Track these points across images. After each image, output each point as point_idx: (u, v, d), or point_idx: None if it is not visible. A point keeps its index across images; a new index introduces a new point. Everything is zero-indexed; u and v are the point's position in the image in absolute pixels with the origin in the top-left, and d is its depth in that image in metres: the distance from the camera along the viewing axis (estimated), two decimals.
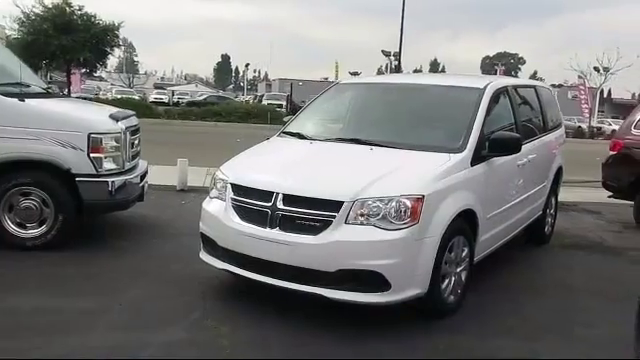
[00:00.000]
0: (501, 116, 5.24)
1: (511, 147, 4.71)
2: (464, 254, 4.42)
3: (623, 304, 4.89)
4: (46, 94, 6.17)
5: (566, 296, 5.08)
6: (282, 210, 4.03)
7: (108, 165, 5.57)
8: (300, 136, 5.18)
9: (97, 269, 5.07)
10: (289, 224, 4.00)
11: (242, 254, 4.19)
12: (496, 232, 5.06)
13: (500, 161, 4.83)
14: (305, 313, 4.16)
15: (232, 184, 4.38)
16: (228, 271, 4.36)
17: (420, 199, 3.90)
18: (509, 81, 5.63)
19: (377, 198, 3.88)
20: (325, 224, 3.90)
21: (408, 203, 3.87)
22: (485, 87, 5.04)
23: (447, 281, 4.24)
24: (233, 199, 4.32)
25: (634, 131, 8.17)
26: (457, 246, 4.29)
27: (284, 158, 4.77)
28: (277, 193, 4.06)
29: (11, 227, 5.40)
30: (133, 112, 6.54)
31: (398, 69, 35.80)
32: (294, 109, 33.03)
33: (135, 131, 6.20)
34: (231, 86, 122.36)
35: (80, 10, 25.41)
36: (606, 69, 41.50)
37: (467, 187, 4.41)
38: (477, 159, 4.55)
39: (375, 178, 4.03)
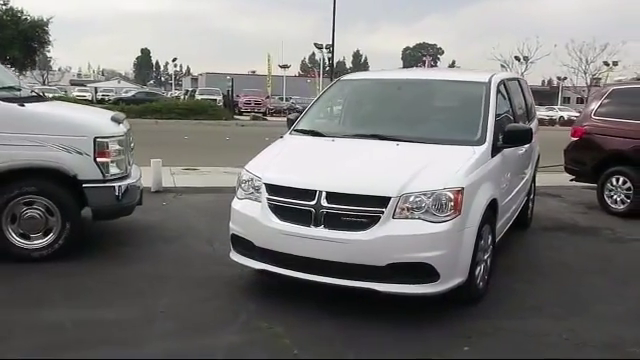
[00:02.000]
0: (503, 107, 5.50)
1: (524, 138, 4.99)
2: (489, 241, 4.65)
3: (623, 280, 5.34)
4: (39, 97, 5.88)
5: (569, 275, 5.44)
6: (327, 208, 4.08)
7: (113, 170, 5.41)
8: (315, 134, 5.23)
9: (114, 277, 4.93)
10: (334, 221, 4.07)
11: (285, 254, 4.22)
12: (506, 218, 5.35)
13: (509, 151, 5.11)
14: (348, 306, 4.25)
15: (267, 184, 4.38)
16: (267, 271, 4.36)
17: (460, 191, 4.08)
18: (503, 74, 5.91)
19: (421, 192, 4.02)
20: (373, 220, 3.99)
21: (451, 196, 4.03)
22: (490, 80, 5.29)
23: (479, 268, 4.45)
24: (269, 199, 4.33)
25: (594, 118, 8.74)
26: (485, 234, 4.51)
27: (315, 156, 4.80)
28: (320, 191, 4.11)
29: (15, 239, 5.14)
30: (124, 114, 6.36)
31: (332, 61, 36.22)
32: (229, 104, 32.71)
33: (130, 133, 6.04)
34: (152, 81, 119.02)
35: (5, 5, 23.91)
36: (526, 58, 43.75)
37: (490, 178, 4.64)
38: (495, 150, 4.78)
39: (414, 173, 4.17)
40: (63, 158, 5.14)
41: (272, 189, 4.35)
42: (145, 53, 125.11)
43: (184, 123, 24.91)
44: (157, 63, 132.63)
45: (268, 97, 42.75)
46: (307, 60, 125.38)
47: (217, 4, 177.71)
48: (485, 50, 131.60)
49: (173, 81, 66.34)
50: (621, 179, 8.23)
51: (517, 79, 6.78)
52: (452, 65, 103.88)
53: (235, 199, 4.70)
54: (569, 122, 38.07)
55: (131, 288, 4.70)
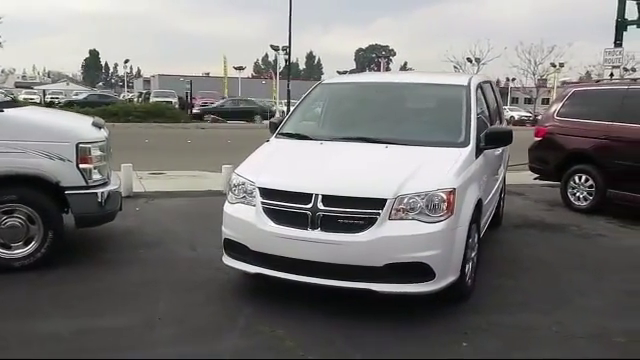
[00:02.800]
0: (481, 109, 5.69)
1: (506, 139, 5.17)
2: (476, 239, 4.81)
3: (597, 274, 5.60)
4: (14, 102, 5.71)
5: (546, 270, 5.66)
6: (323, 211, 4.14)
7: (96, 176, 5.32)
8: (302, 137, 5.29)
9: (103, 284, 4.86)
10: (331, 224, 4.13)
11: (281, 257, 4.25)
12: (487, 217, 5.53)
13: (488, 152, 5.29)
14: (342, 307, 4.32)
15: (261, 188, 4.40)
16: (263, 275, 4.38)
17: (452, 192, 4.21)
18: (479, 77, 6.09)
19: (415, 193, 4.13)
20: (370, 221, 4.07)
21: (444, 196, 4.16)
22: (469, 84, 5.47)
23: (468, 266, 4.59)
24: (264, 203, 4.36)
25: (556, 118, 9.10)
26: (473, 233, 4.66)
27: (307, 160, 4.84)
28: (317, 194, 4.17)
29: None
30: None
31: (289, 63, 36.20)
32: (187, 106, 32.24)
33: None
34: (101, 83, 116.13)
35: None
36: (478, 60, 44.88)
37: (475, 178, 4.79)
38: (478, 151, 4.95)
39: (408, 174, 4.27)
40: (45, 165, 5.02)
41: (266, 193, 4.38)
42: (93, 54, 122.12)
43: (143, 126, 24.44)
44: (106, 64, 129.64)
45: (224, 99, 42.33)
46: (260, 61, 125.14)
47: (166, 5, 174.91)
48: (437, 52, 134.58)
49: (125, 83, 64.80)
50: (583, 177, 8.60)
51: (489, 81, 7.00)
52: (404, 67, 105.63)
53: (227, 203, 4.70)
54: (520, 122, 39.36)
55: (123, 295, 4.65)
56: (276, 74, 40.23)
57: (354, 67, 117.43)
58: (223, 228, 4.66)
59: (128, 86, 74.16)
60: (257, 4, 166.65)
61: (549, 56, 47.89)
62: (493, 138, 5.08)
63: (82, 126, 5.44)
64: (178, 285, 4.88)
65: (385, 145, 4.81)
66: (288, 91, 35.34)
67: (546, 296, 4.88)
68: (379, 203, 4.08)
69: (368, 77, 6.58)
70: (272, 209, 4.33)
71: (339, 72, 65.05)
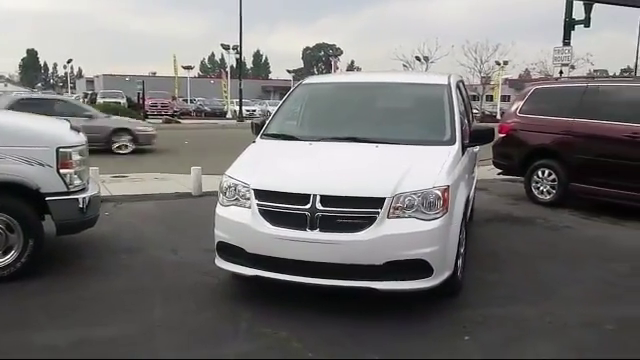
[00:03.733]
0: (461, 108, 5.82)
1: (488, 137, 5.32)
2: (464, 235, 4.93)
3: (572, 264, 5.84)
4: None
5: (525, 262, 5.85)
6: (322, 211, 4.15)
7: (76, 181, 5.16)
8: (288, 137, 5.28)
9: (91, 293, 4.73)
10: (330, 224, 4.15)
11: (280, 258, 4.24)
12: (469, 213, 5.68)
13: (469, 149, 5.43)
14: (340, 306, 4.35)
15: (256, 190, 4.38)
16: (260, 277, 4.35)
17: (447, 189, 4.30)
18: (455, 76, 6.23)
19: (412, 192, 4.20)
20: (369, 220, 4.12)
21: (439, 194, 4.24)
22: (449, 83, 5.60)
23: (459, 261, 4.70)
24: (260, 205, 4.33)
25: (519, 115, 9.40)
26: (462, 229, 4.78)
27: (300, 160, 4.83)
28: (315, 195, 4.18)
29: None
30: None
31: (240, 62, 35.89)
32: (139, 107, 31.44)
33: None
34: (40, 84, 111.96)
35: None
36: (426, 58, 45.76)
37: (463, 175, 4.92)
38: (463, 149, 5.07)
39: (403, 173, 4.33)
40: (25, 171, 4.84)
41: (262, 195, 4.35)
42: (31, 54, 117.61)
43: None
44: (45, 65, 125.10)
45: (174, 99, 41.68)
46: (207, 61, 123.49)
47: (107, 3, 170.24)
48: (383, 51, 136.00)
49: (68, 83, 62.70)
50: (547, 171, 8.92)
51: (462, 80, 7.17)
52: (351, 65, 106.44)
53: (219, 206, 4.64)
54: None
55: (114, 303, 4.53)
56: (228, 73, 39.82)
57: (302, 66, 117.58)
58: (216, 231, 4.61)
59: (70, 87, 71.78)
60: (201, 3, 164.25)
61: (494, 54, 49.38)
62: (477, 136, 5.22)
63: (61, 130, 5.26)
64: (169, 291, 4.80)
65: (375, 145, 4.86)
66: (240, 90, 35.09)
67: (531, 288, 5.05)
68: (378, 202, 4.13)
69: (349, 77, 6.63)
70: (268, 211, 4.31)
71: (288, 71, 65.13)
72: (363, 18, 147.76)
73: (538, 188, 9.03)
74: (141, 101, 27.77)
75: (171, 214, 8.02)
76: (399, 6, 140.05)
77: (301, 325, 4.08)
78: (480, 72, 49.66)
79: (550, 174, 8.88)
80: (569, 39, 15.48)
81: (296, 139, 5.23)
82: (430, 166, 4.53)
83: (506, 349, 3.81)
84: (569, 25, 15.33)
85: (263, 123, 5.68)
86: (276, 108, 5.79)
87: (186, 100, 48.58)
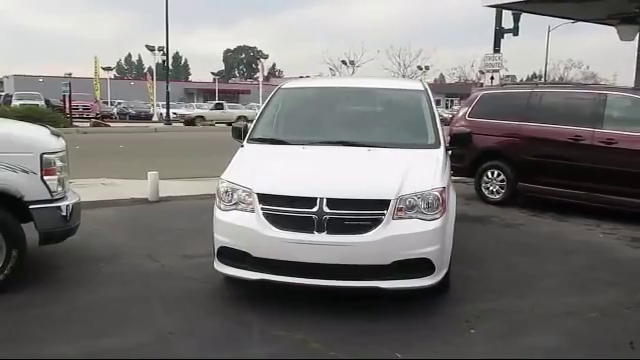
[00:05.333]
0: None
1: (467, 141, 5.61)
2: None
3: (539, 258, 6.24)
4: None
5: (497, 258, 6.20)
6: (329, 214, 4.25)
7: (59, 188, 4.98)
8: (277, 142, 5.33)
9: (84, 303, 4.59)
10: (337, 226, 4.25)
11: (288, 262, 4.29)
12: None
13: (449, 153, 5.70)
14: (344, 306, 4.46)
15: (260, 194, 4.41)
16: (266, 281, 4.38)
17: (443, 191, 4.53)
18: (425, 83, 6.50)
19: (413, 193, 4.38)
20: (375, 222, 4.26)
21: (438, 195, 4.45)
22: (425, 88, 5.86)
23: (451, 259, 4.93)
24: (265, 209, 4.37)
25: (468, 119, 9.87)
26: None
27: (299, 164, 4.87)
28: (321, 198, 4.27)
29: None
30: None
31: (167, 63, 35.07)
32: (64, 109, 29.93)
33: None
34: None
35: None
36: (352, 62, 46.65)
37: (449, 177, 5.16)
38: (446, 152, 5.33)
39: (402, 175, 4.51)
40: (8, 178, 4.61)
41: (266, 199, 4.39)
42: None
43: None
44: None
45: (97, 101, 40.08)
46: (124, 62, 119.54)
47: (15, 1, 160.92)
48: (306, 54, 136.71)
49: None
50: (495, 172, 9.44)
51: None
52: (273, 68, 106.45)
53: (218, 211, 4.62)
54: None
55: (114, 313, 4.41)
56: (154, 75, 38.77)
57: (222, 68, 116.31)
58: (217, 236, 4.59)
59: None
60: (111, 2, 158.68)
61: (416, 59, 51.15)
62: (458, 139, 5.50)
63: (43, 135, 5.04)
64: (166, 299, 4.72)
65: (367, 148, 5.02)
66: (167, 93, 34.30)
67: (510, 282, 5.38)
68: (384, 204, 4.28)
69: (327, 82, 6.75)
70: (274, 214, 4.35)
71: (213, 73, 64.26)
72: (283, 21, 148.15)
73: (488, 188, 9.52)
74: (67, 104, 26.45)
75: (134, 220, 7.82)
76: (320, 10, 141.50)
77: (313, 326, 4.15)
78: (404, 76, 51.22)
79: (499, 175, 9.39)
80: (499, 47, 16.28)
81: (286, 143, 5.29)
82: (425, 169, 4.74)
83: (513, 339, 4.06)
84: (499, 33, 16.14)
85: (244, 127, 5.70)
86: (259, 112, 5.81)
87: (106, 102, 46.88)
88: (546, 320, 4.42)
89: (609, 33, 13.29)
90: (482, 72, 50.19)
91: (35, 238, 4.91)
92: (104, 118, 37.33)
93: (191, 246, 6.36)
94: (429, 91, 5.83)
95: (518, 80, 51.66)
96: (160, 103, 40.51)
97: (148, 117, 40.06)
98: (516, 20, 15.89)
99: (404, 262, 4.27)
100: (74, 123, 25.31)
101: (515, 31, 16.08)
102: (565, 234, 7.50)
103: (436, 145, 5.21)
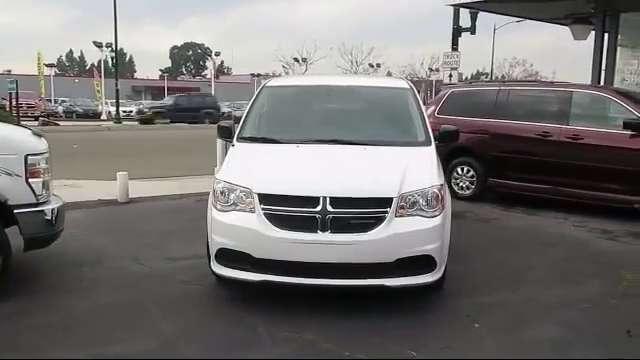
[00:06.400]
0: None
1: (454, 137, 5.70)
2: None
3: (518, 252, 6.41)
4: None
5: (480, 252, 6.32)
6: (332, 213, 4.22)
7: (44, 191, 4.77)
8: (269, 140, 5.26)
9: (78, 310, 4.43)
10: (341, 225, 4.23)
11: (291, 262, 4.24)
12: None
13: None
14: (343, 305, 4.47)
15: (261, 194, 4.34)
16: (269, 282, 4.32)
17: (442, 187, 4.59)
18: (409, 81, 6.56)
19: (414, 191, 4.41)
20: (378, 220, 4.27)
21: (437, 192, 4.51)
22: (410, 87, 5.92)
23: None
24: (266, 209, 4.31)
25: (437, 116, 9.99)
26: None
27: (297, 163, 4.80)
28: (325, 197, 4.24)
29: None
30: None
31: (116, 60, 34.12)
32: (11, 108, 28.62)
33: None
34: None
35: None
36: (304, 59, 46.61)
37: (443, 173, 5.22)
38: (437, 149, 5.39)
39: (401, 173, 4.53)
40: None
41: (268, 199, 4.33)
42: None
43: None
44: None
45: (41, 99, 38.58)
46: (65, 58, 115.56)
47: None
48: (255, 51, 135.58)
49: None
50: (465, 168, 9.63)
51: None
52: (221, 66, 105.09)
53: (216, 212, 4.52)
54: None
55: (111, 319, 4.27)
56: (102, 73, 37.58)
57: (169, 65, 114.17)
58: (215, 237, 4.50)
59: None
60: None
61: (368, 57, 51.64)
62: (445, 136, 5.57)
63: (25, 136, 4.82)
64: (161, 302, 4.60)
65: (362, 147, 5.02)
66: (117, 90, 33.38)
67: (499, 276, 5.49)
68: (387, 202, 4.29)
69: (312, 80, 6.67)
70: (276, 214, 4.29)
71: (161, 70, 62.96)
72: (231, 18, 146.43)
73: (458, 184, 9.70)
74: (12, 102, 25.27)
75: (107, 223, 7.59)
76: (267, 7, 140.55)
77: (319, 326, 4.12)
78: (356, 73, 51.66)
79: (469, 171, 9.58)
80: (457, 45, 16.68)
81: (278, 142, 5.22)
82: (421, 166, 4.79)
83: (518, 332, 4.15)
84: (456, 32, 16.52)
85: (231, 126, 5.62)
86: (245, 111, 5.72)
87: (49, 100, 45.18)
88: (543, 312, 4.53)
89: (550, 33, 13.77)
90: (431, 70, 51.01)
91: (19, 244, 4.70)
92: (49, 117, 35.99)
93: (173, 248, 6.24)
94: (414, 89, 5.89)
95: (464, 78, 52.86)
96: (108, 101, 39.38)
97: (96, 115, 38.87)
98: (473, 19, 16.29)
99: (407, 259, 4.30)
100: (22, 123, 24.24)
101: (472, 30, 16.49)
102: (538, 227, 7.73)
103: (427, 142, 5.27)
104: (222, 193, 4.53)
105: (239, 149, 5.14)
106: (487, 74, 54.70)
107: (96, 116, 38.65)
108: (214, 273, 4.59)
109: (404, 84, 5.99)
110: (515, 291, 5.04)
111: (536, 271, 5.67)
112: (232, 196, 4.47)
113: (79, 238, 6.60)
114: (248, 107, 5.79)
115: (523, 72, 58.06)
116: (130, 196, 9.06)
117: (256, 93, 5.96)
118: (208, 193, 4.73)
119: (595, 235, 7.32)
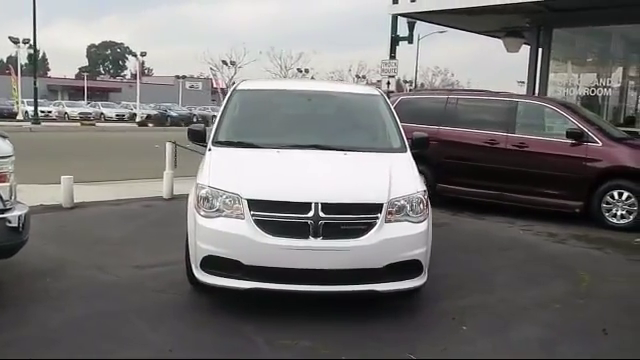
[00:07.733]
0: None
1: (425, 144, 5.83)
2: None
3: (479, 255, 6.65)
4: None
5: (447, 256, 6.28)
6: (324, 219, 4.21)
7: (11, 197, 4.47)
8: (246, 145, 5.16)
9: (53, 323, 4.18)
10: (332, 231, 4.23)
11: (282, 268, 4.19)
12: None
13: None
14: (335, 311, 4.46)
15: (250, 200, 4.27)
16: (259, 289, 4.24)
17: (425, 193, 4.69)
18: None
19: (401, 197, 4.48)
20: (369, 225, 4.30)
21: (422, 198, 4.60)
22: (381, 94, 6.03)
23: None
24: (256, 215, 4.24)
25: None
26: None
27: (283, 168, 4.72)
28: (316, 203, 4.22)
29: None
30: None
31: (35, 58, 32.37)
32: None
33: None
34: None
35: None
36: (233, 62, 46.14)
37: None
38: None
39: (388, 179, 4.59)
40: None
41: (258, 205, 4.25)
42: None
43: None
44: None
45: None
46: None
47: None
48: (171, 52, 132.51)
49: None
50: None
51: None
52: (142, 66, 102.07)
53: (201, 218, 4.39)
54: None
55: (94, 331, 4.04)
56: (19, 71, 35.40)
57: (87, 64, 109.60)
58: (201, 244, 4.36)
59: None
60: None
61: (297, 62, 51.84)
62: (417, 143, 5.68)
63: None
64: (142, 313, 4.41)
65: (343, 152, 5.03)
66: (35, 89, 31.74)
67: (470, 278, 5.66)
68: (377, 208, 4.33)
69: (284, 84, 6.64)
70: (266, 221, 4.23)
71: (80, 69, 60.32)
72: (151, 18, 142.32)
73: None
74: None
75: (57, 229, 7.20)
76: (191, 8, 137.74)
77: (315, 333, 4.09)
78: (284, 77, 51.70)
79: (424, 178, 9.80)
80: (394, 53, 17.00)
81: (256, 147, 5.12)
82: (404, 172, 4.87)
83: (505, 333, 4.29)
84: (394, 40, 16.85)
85: (202, 130, 5.50)
86: (219, 115, 5.59)
87: None
88: (521, 313, 4.72)
89: (475, 44, 14.43)
90: (358, 76, 51.74)
91: None
92: None
93: (137, 256, 6.02)
94: (385, 96, 5.99)
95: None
96: (25, 100, 37.26)
97: (11, 115, 36.63)
98: (411, 29, 16.70)
99: (397, 265, 4.36)
100: None
101: (410, 39, 16.90)
102: (490, 231, 8.03)
103: (403, 149, 5.36)
104: (206, 199, 4.41)
105: (218, 154, 5.01)
106: (410, 82, 56.27)
107: (11, 116, 36.43)
108: (198, 282, 4.45)
109: (375, 91, 6.08)
110: (490, 293, 5.22)
111: (502, 273, 5.89)
112: (217, 202, 4.36)
113: (33, 245, 6.06)
114: (221, 110, 5.67)
115: (443, 82, 60.26)
116: (77, 201, 8.65)
117: (227, 96, 5.85)
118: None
119: (543, 238, 7.70)
